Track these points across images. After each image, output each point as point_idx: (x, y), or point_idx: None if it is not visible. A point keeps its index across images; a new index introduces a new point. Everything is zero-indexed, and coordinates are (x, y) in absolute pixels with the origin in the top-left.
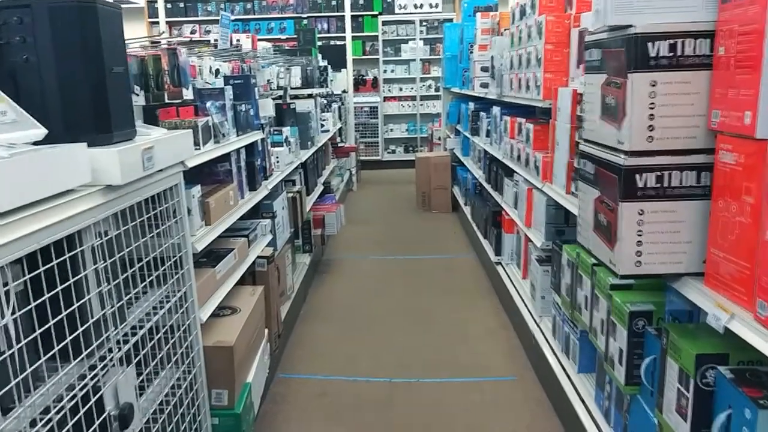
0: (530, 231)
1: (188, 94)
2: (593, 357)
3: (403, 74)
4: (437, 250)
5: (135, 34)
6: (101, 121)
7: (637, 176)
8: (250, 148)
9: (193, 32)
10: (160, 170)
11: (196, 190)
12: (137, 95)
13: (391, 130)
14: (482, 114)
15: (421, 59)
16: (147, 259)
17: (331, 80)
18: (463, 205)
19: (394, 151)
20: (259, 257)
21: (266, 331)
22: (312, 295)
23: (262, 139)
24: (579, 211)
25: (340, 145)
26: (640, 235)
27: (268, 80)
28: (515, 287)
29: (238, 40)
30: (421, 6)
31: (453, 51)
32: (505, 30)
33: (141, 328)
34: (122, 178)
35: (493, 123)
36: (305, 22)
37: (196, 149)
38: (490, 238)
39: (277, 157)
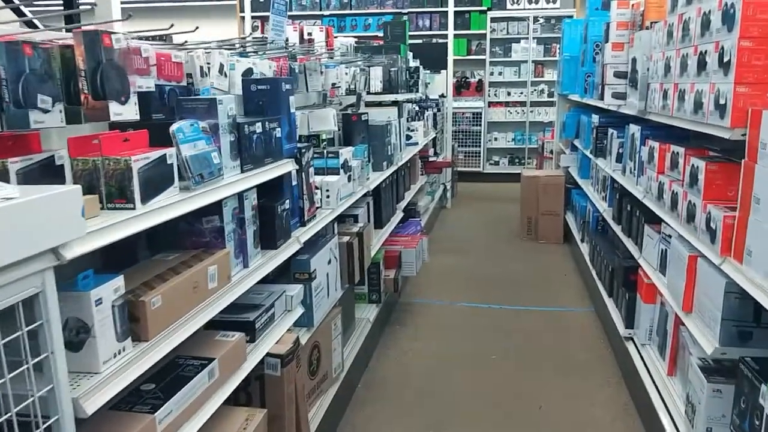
0: (690, 318)
1: (125, 110)
2: None
3: (513, 77)
4: (545, 299)
5: (226, 32)
6: None
7: None
8: (275, 185)
9: None
10: None
11: (109, 289)
12: (44, 111)
13: (496, 139)
14: (612, 132)
15: (533, 61)
16: None
17: (428, 83)
18: (579, 240)
19: (497, 163)
20: (269, 356)
21: None
22: (376, 364)
23: (298, 171)
24: None
25: (431, 159)
26: None
27: (334, 84)
28: (655, 385)
29: (309, 34)
30: (537, 1)
31: (573, 52)
32: (652, 23)
33: None
34: None
35: (627, 145)
36: (405, 17)
37: (127, 209)
38: (618, 301)
39: (327, 191)
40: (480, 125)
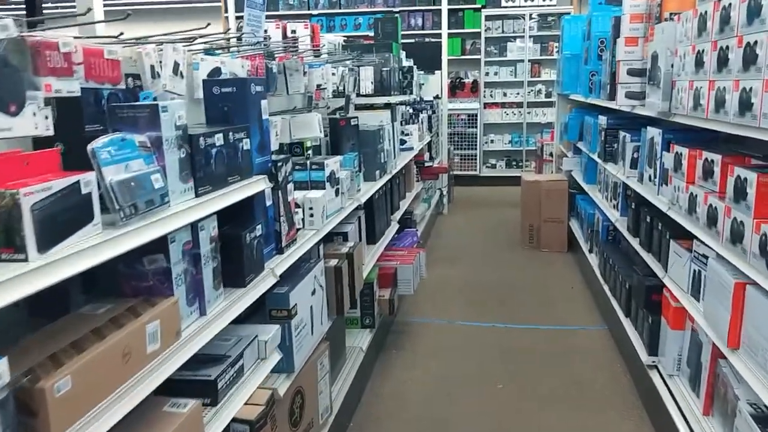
0: (737, 356)
1: (16, 123)
2: None
3: (508, 77)
4: (552, 316)
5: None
6: None
7: None
8: (244, 208)
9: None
10: None
11: None
12: None
13: (492, 141)
14: (624, 135)
15: (529, 60)
16: None
17: (422, 84)
18: (586, 250)
19: (494, 166)
20: (236, 421)
21: None
22: (370, 398)
23: (273, 188)
24: None
25: (427, 164)
26: None
27: (320, 85)
28: (688, 424)
29: (293, 32)
30: None
31: (574, 49)
32: (673, 14)
33: None
34: None
35: (645, 151)
36: (397, 17)
37: (16, 261)
38: (639, 324)
39: (310, 209)
40: (476, 127)
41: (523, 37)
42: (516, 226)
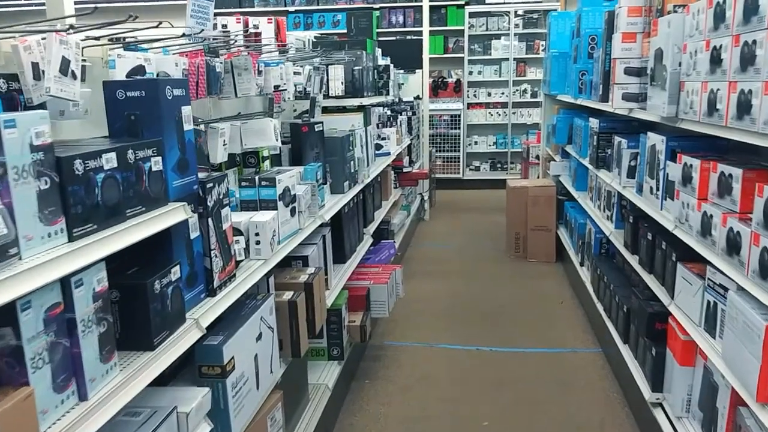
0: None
1: None
2: None
3: (493, 76)
4: (542, 337)
5: (177, 31)
6: None
7: None
8: (159, 244)
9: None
10: None
11: None
12: None
13: (476, 143)
14: (619, 141)
15: (515, 58)
16: None
17: (401, 84)
18: (576, 262)
19: (478, 168)
20: None
21: None
22: None
23: (201, 215)
24: None
25: (406, 170)
26: None
27: (278, 86)
28: None
29: (255, 26)
30: None
31: (562, 47)
32: (678, 8)
33: None
34: None
35: (645, 159)
36: (377, 13)
37: None
38: (639, 354)
39: (257, 234)
40: (459, 128)
41: (507, 35)
42: (501, 233)
